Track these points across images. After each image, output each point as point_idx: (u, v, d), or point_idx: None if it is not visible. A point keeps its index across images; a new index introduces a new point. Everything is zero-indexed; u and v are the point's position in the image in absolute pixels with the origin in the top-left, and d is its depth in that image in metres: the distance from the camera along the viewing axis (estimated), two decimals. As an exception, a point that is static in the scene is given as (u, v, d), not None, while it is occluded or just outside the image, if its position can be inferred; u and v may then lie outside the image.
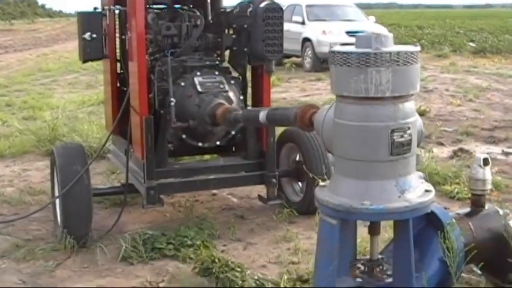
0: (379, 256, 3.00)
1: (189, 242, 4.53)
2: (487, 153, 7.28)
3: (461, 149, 7.43)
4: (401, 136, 2.64)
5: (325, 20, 17.54)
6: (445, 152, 7.45)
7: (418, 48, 2.68)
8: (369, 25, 17.28)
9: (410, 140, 2.67)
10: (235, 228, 4.97)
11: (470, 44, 23.84)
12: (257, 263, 4.40)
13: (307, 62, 17.05)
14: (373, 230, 2.91)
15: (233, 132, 4.95)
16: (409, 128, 2.66)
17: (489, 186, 3.27)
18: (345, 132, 2.70)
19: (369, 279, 2.89)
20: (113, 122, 5.25)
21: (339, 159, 2.76)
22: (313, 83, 14.32)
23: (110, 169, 6.51)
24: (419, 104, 9.91)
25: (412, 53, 2.61)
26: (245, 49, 4.74)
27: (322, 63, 16.48)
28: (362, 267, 2.98)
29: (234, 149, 5.25)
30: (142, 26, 4.55)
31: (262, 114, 3.68)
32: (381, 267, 2.96)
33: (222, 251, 4.54)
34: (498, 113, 9.99)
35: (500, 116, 9.72)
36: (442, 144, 7.86)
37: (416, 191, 2.72)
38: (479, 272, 3.53)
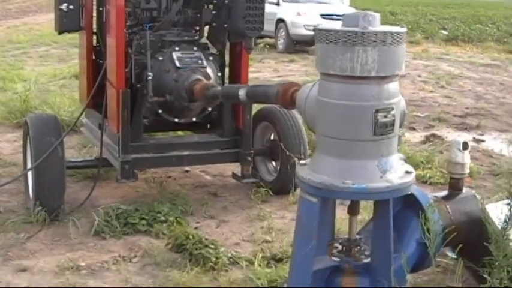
0: (357, 236, 3.01)
1: (163, 218, 4.52)
2: (459, 139, 7.34)
3: (433, 135, 7.49)
4: (385, 116, 2.63)
5: (299, 2, 17.47)
6: (417, 137, 7.50)
7: (405, 29, 2.67)
8: (343, 8, 17.26)
9: (394, 120, 2.67)
10: (208, 206, 4.96)
11: (443, 31, 23.95)
12: (230, 240, 4.40)
13: (281, 43, 16.98)
14: (353, 209, 2.91)
15: (209, 109, 4.91)
16: (393, 109, 2.65)
17: (467, 170, 3.30)
18: (328, 111, 2.69)
19: (346, 259, 2.89)
20: (88, 95, 5.18)
21: (322, 137, 2.74)
22: (286, 64, 14.30)
23: (81, 143, 6.43)
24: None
25: (398, 34, 2.60)
26: (225, 25, 4.69)
27: (295, 45, 16.46)
28: (340, 247, 2.98)
29: (209, 126, 5.21)
30: (122, -1, 4.48)
31: (243, 91, 3.64)
32: (358, 247, 2.96)
33: (195, 228, 4.52)
34: (470, 100, 10.08)
35: (472, 103, 9.81)
36: (414, 129, 7.91)
37: (398, 172, 2.72)
38: (453, 256, 3.55)
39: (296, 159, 4.93)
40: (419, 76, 12.59)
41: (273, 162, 5.43)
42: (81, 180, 5.43)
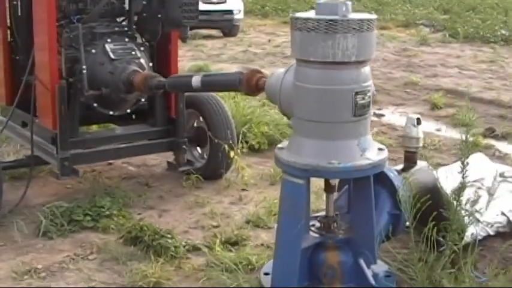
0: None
1: (107, 212, 4.48)
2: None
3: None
4: (363, 98, 2.81)
5: (178, -13, 17.34)
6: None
7: (375, 16, 2.85)
8: (222, -9, 17.37)
9: (370, 101, 2.85)
10: (146, 196, 4.95)
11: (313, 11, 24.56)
12: (178, 229, 4.41)
13: (161, 29, 16.82)
14: (330, 188, 3.06)
15: (143, 100, 4.89)
16: (369, 91, 2.83)
17: (421, 144, 3.54)
18: (308, 96, 2.82)
19: (329, 235, 3.04)
20: (7, 93, 5.03)
21: (301, 121, 2.87)
22: (172, 51, 14.23)
23: (-8, 143, 6.18)
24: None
25: (372, 20, 2.78)
26: (159, 15, 4.68)
27: (177, 31, 16.35)
28: (318, 224, 3.13)
29: (141, 117, 5.18)
30: (52, -8, 4.36)
31: (196, 80, 3.69)
32: (335, 223, 3.12)
33: (140, 220, 4.51)
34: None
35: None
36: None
37: (374, 149, 2.91)
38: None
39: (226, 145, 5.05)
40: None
41: (199, 149, 5.49)
42: (5, 181, 5.24)
